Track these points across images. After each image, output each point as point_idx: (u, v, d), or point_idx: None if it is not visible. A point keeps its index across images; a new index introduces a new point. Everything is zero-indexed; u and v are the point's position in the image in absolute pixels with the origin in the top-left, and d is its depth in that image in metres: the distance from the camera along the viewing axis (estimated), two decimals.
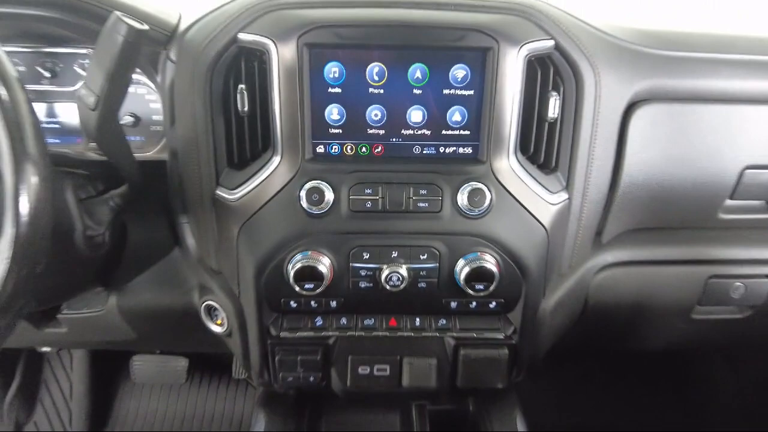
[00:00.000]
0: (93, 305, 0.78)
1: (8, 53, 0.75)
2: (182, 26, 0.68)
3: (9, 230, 0.45)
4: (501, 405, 0.78)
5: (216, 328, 0.74)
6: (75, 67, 0.76)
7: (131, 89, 0.77)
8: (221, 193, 0.66)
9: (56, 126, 0.80)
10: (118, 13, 0.54)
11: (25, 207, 0.45)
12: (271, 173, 0.64)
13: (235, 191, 0.65)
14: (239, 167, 0.67)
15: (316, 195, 0.62)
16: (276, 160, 0.64)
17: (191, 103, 0.64)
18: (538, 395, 0.79)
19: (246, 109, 0.63)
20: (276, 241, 0.64)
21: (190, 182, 0.68)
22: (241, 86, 0.63)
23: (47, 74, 0.76)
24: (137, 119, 0.77)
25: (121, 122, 0.78)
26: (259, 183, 0.64)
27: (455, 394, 0.78)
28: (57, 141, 0.80)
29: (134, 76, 0.77)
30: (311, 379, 0.72)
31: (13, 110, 0.46)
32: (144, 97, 0.77)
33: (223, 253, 0.69)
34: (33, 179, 0.46)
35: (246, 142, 0.66)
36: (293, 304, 0.68)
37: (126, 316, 0.79)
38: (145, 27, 0.55)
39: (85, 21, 0.64)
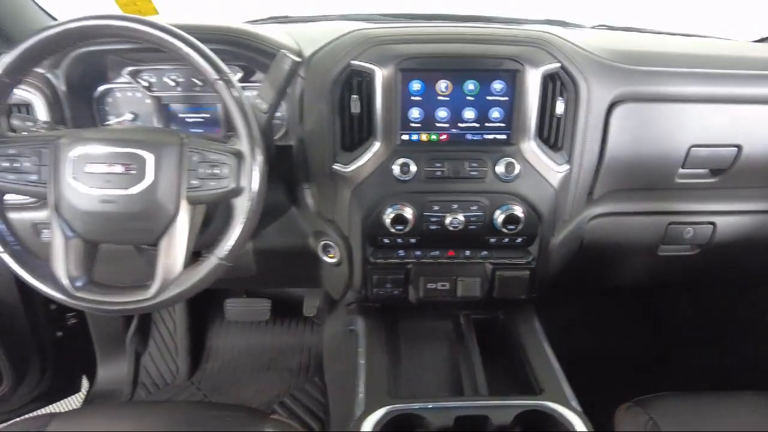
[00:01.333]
0: None
1: (173, 68, 1.08)
2: (307, 53, 1.00)
3: (249, 194, 0.78)
4: (522, 313, 1.12)
5: (329, 260, 1.08)
6: None
7: (253, 93, 1.10)
8: (337, 167, 0.99)
9: (201, 119, 1.12)
10: (284, 50, 0.87)
11: (257, 178, 0.79)
12: (373, 154, 0.97)
13: (347, 166, 0.98)
14: (349, 150, 0.99)
15: (405, 167, 0.95)
16: (377, 144, 0.96)
17: (318, 106, 0.97)
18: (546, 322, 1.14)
19: (357, 111, 0.96)
20: (376, 199, 0.98)
21: (314, 160, 1.01)
22: (354, 96, 0.95)
23: (199, 83, 1.08)
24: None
25: None
26: (366, 161, 0.97)
27: (490, 306, 1.13)
28: (201, 131, 1.13)
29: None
30: (395, 292, 1.06)
31: (244, 105, 0.78)
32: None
33: (337, 207, 1.03)
34: (260, 158, 0.79)
35: (355, 132, 0.98)
36: (386, 240, 1.02)
37: (257, 256, 1.12)
38: (300, 59, 0.88)
39: (248, 53, 0.97)
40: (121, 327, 1.60)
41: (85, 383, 1.72)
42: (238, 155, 0.78)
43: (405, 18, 1.37)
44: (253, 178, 0.78)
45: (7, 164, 0.78)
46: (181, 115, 1.10)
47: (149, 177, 0.77)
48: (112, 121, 1.11)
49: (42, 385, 1.54)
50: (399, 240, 1.02)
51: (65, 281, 0.80)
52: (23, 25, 1.14)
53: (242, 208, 0.79)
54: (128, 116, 1.10)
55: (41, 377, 1.52)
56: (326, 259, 1.09)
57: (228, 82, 0.77)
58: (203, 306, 1.66)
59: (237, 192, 0.78)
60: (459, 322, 1.13)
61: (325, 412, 1.49)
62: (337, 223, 1.05)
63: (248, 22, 1.35)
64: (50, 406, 1.69)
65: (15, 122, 0.88)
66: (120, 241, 0.87)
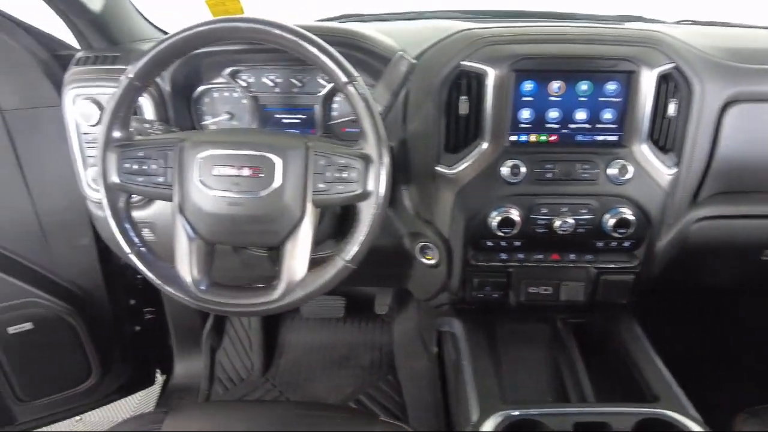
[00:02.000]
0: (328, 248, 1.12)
1: (272, 69, 1.08)
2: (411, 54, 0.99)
3: (375, 198, 0.78)
4: (622, 317, 1.09)
5: (426, 262, 1.07)
6: (318, 79, 1.07)
7: None
8: (441, 169, 0.98)
9: (297, 120, 1.12)
10: (401, 52, 0.86)
11: (383, 182, 0.78)
12: (480, 155, 0.95)
13: (452, 167, 0.97)
14: (454, 151, 0.98)
15: (516, 169, 0.93)
16: (484, 145, 0.95)
17: (424, 107, 0.96)
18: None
19: (466, 112, 0.94)
20: (482, 201, 0.96)
21: (416, 161, 1.00)
22: (463, 97, 0.94)
23: (298, 84, 1.08)
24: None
25: (345, 119, 1.11)
26: (472, 162, 0.96)
27: (586, 310, 1.11)
28: (297, 132, 1.13)
29: None
30: (495, 295, 1.05)
31: (373, 109, 0.77)
32: None
33: (438, 209, 1.02)
34: (387, 161, 0.78)
35: (461, 134, 0.97)
36: (489, 243, 1.00)
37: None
38: (416, 61, 0.87)
39: (359, 55, 0.96)
40: (198, 323, 1.63)
41: (158, 376, 1.75)
42: (366, 159, 0.78)
43: (487, 15, 1.34)
44: (381, 182, 0.77)
45: (136, 167, 0.79)
46: (277, 116, 1.11)
47: (277, 180, 0.78)
48: (209, 121, 1.12)
49: (122, 377, 1.58)
50: (503, 243, 1.00)
51: (190, 283, 0.81)
52: (127, 30, 1.15)
53: (368, 213, 0.78)
54: (224, 116, 1.11)
55: (122, 369, 1.56)
56: (423, 260, 1.08)
57: (358, 86, 0.76)
58: None
59: (364, 196, 0.78)
60: (556, 325, 1.11)
61: (402, 410, 1.49)
62: (436, 225, 1.04)
63: (319, 20, 1.34)
64: (128, 397, 1.73)
65: (134, 124, 0.90)
66: (244, 243, 0.88)
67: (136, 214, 1.07)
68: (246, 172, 0.78)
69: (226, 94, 1.10)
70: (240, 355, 1.65)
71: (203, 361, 1.62)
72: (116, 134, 0.81)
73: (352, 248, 0.79)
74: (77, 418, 1.56)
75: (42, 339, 1.35)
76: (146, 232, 1.11)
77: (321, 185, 0.78)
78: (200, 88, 1.09)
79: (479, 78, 0.93)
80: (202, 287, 0.81)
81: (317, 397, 1.55)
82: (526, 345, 1.09)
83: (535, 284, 1.04)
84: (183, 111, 1.08)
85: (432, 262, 1.06)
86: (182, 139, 0.80)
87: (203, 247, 0.81)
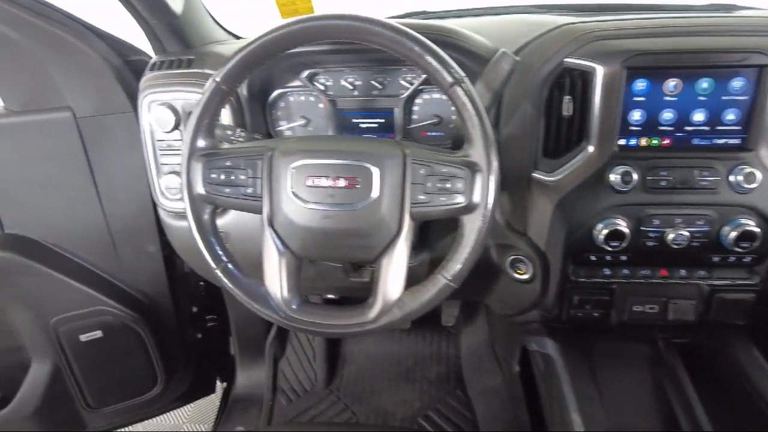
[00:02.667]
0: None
1: (351, 71, 1.02)
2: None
3: (482, 210, 0.71)
4: (736, 339, 0.99)
5: (518, 276, 0.99)
6: (400, 80, 1.01)
7: (433, 95, 1.02)
8: (538, 175, 0.90)
9: (375, 125, 1.06)
10: (503, 49, 0.78)
11: (492, 193, 0.71)
12: (585, 161, 0.87)
13: (552, 174, 0.89)
14: (553, 156, 0.90)
15: (627, 176, 0.84)
16: (590, 150, 0.86)
17: (522, 108, 0.88)
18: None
19: (569, 113, 0.86)
20: (587, 211, 0.88)
21: (510, 167, 0.92)
22: (567, 97, 0.86)
23: (378, 86, 1.02)
24: (440, 119, 1.02)
25: (426, 122, 1.04)
26: (575, 168, 0.87)
27: (693, 330, 1.00)
28: (374, 136, 1.07)
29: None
30: (595, 314, 0.96)
31: (482, 112, 0.70)
32: (447, 102, 1.02)
33: (533, 220, 0.93)
34: (496, 169, 0.71)
35: (562, 137, 0.89)
36: (593, 257, 0.91)
37: (432, 267, 1.05)
38: (519, 59, 0.79)
39: (454, 53, 0.89)
40: (262, 331, 1.59)
41: (218, 385, 1.73)
42: (472, 167, 0.70)
43: (568, 9, 1.25)
44: (489, 193, 0.70)
45: (223, 177, 0.75)
46: (354, 121, 1.05)
47: (375, 192, 0.71)
48: (284, 126, 1.07)
49: (184, 385, 1.56)
50: (607, 257, 0.91)
51: (281, 302, 0.75)
52: (201, 33, 1.12)
53: (473, 227, 0.71)
54: (300, 121, 1.06)
55: (185, 378, 1.54)
56: (514, 275, 1.00)
57: (465, 87, 0.69)
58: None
59: (469, 208, 0.71)
60: (657, 345, 1.01)
61: (474, 428, 1.41)
62: (531, 237, 0.95)
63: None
64: (187, 406, 1.71)
65: (217, 132, 0.85)
66: (336, 259, 0.83)
67: None
68: (342, 183, 0.72)
69: (302, 98, 1.05)
70: (303, 365, 1.61)
71: (266, 371, 1.58)
72: (201, 143, 0.76)
73: (455, 266, 0.72)
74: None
75: (110, 347, 1.34)
76: None
77: (421, 197, 0.71)
78: (276, 92, 1.04)
79: (585, 76, 0.84)
80: (294, 306, 0.76)
81: (384, 412, 1.49)
82: (626, 367, 1.00)
83: (640, 302, 0.94)
84: (258, 116, 1.03)
85: (524, 277, 0.98)
86: (271, 147, 0.75)
87: (293, 262, 0.76)
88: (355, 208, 0.72)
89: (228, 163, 0.75)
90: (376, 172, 0.71)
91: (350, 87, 1.02)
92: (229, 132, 0.86)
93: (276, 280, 0.75)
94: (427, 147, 0.76)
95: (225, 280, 0.77)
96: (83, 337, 1.30)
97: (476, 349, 1.55)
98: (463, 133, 0.73)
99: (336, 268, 1.03)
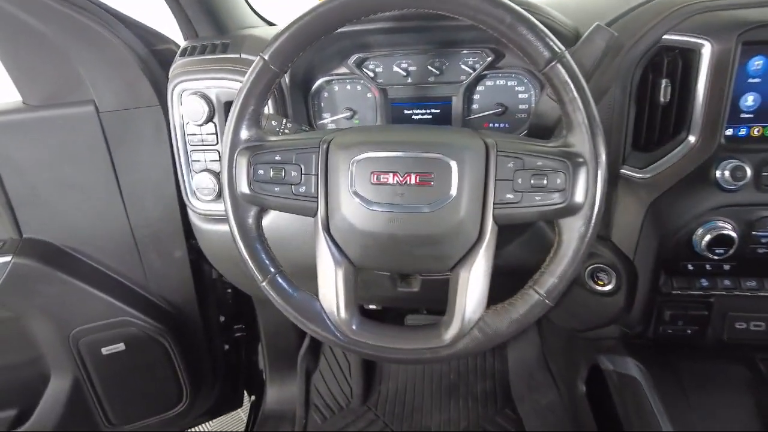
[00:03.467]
0: None
1: (405, 55, 0.91)
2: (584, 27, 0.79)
3: (587, 212, 0.59)
4: None
5: (597, 288, 0.87)
6: (461, 65, 0.89)
7: (497, 81, 0.91)
8: (627, 171, 0.78)
9: (430, 116, 0.94)
10: (597, 22, 0.66)
11: (600, 191, 0.58)
12: (686, 154, 0.74)
13: (643, 170, 0.77)
14: (644, 149, 0.78)
15: (740, 172, 0.72)
16: (691, 141, 0.74)
17: (610, 93, 0.75)
18: None
19: (666, 99, 0.74)
20: (688, 212, 0.75)
21: None
22: (665, 80, 0.73)
23: (435, 72, 0.90)
24: (504, 108, 0.90)
25: (489, 112, 0.92)
26: (673, 163, 0.75)
27: None
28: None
29: (508, 72, 0.90)
30: (688, 331, 0.83)
31: (587, 93, 0.58)
32: (514, 89, 0.90)
33: (619, 222, 0.81)
34: (604, 162, 0.59)
35: (656, 126, 0.76)
36: (690, 267, 0.79)
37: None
38: (617, 34, 0.67)
39: None
40: (294, 343, 1.48)
41: (246, 399, 1.63)
42: (574, 159, 0.58)
43: None
44: (597, 191, 0.58)
45: (272, 174, 0.63)
46: (406, 112, 0.93)
47: (453, 190, 0.60)
48: (327, 119, 0.96)
49: (211, 399, 1.45)
50: (708, 266, 0.78)
51: (340, 322, 0.64)
52: (236, 16, 1.01)
53: (575, 232, 0.59)
54: (345, 113, 0.95)
55: (212, 391, 1.44)
56: (594, 286, 0.87)
57: (566, 62, 0.57)
58: (379, 320, 1.51)
59: (571, 210, 0.59)
60: (757, 367, 0.88)
61: None
62: (615, 243, 0.83)
63: None
64: (213, 421, 1.61)
65: (262, 122, 0.74)
66: (403, 270, 0.71)
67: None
68: (413, 179, 0.60)
69: (348, 87, 0.94)
70: (338, 379, 1.50)
71: (297, 386, 1.47)
72: (246, 134, 0.65)
73: (550, 279, 0.60)
74: None
75: (134, 361, 1.24)
76: None
77: (509, 195, 0.60)
78: (319, 81, 0.93)
79: (687, 55, 0.72)
80: (354, 326, 0.64)
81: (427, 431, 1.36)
82: (722, 391, 0.87)
83: (743, 318, 0.81)
84: (299, 108, 0.93)
85: (606, 288, 0.86)
86: (328, 139, 0.64)
87: (350, 273, 0.65)
88: (428, 210, 0.60)
89: (277, 158, 0.64)
90: (454, 166, 0.60)
91: (403, 73, 0.90)
92: (275, 123, 0.75)
93: (332, 294, 0.64)
94: (515, 136, 0.64)
95: (273, 295, 0.65)
96: (105, 350, 1.20)
97: (527, 363, 1.42)
98: (547, 121, 0.61)
99: (383, 276, 0.92)
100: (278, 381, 1.49)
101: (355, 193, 0.61)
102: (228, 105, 0.88)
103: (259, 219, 0.67)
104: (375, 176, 0.61)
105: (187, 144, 0.92)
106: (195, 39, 0.96)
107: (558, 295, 0.60)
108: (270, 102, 0.86)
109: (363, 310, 1.47)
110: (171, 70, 0.92)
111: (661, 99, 0.74)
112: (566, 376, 1.22)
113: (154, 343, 1.24)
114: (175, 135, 0.92)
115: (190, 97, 0.88)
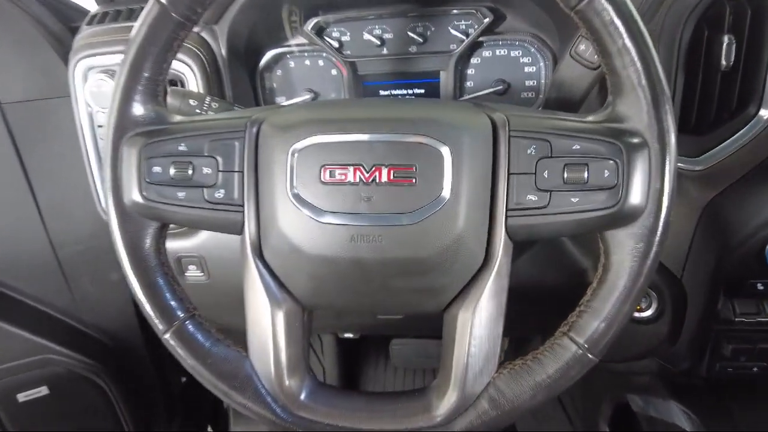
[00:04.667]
0: None
1: (378, 19, 0.71)
2: None
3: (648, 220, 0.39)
4: None
5: (635, 314, 0.67)
6: (449, 29, 0.70)
7: (496, 51, 0.71)
8: None
9: (413, 97, 0.75)
10: None
11: (667, 188, 0.39)
12: (756, 136, 0.55)
13: (696, 160, 0.58)
14: (696, 131, 0.59)
15: None
16: (765, 118, 0.55)
17: None
18: None
19: (727, 63, 0.55)
20: (758, 216, 0.56)
21: None
22: (727, 37, 0.54)
23: (418, 39, 0.71)
24: (507, 86, 0.71)
25: (487, 90, 0.72)
26: (737, 149, 0.56)
27: None
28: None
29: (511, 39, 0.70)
30: (754, 369, 0.64)
31: (649, 46, 0.38)
32: (518, 61, 0.71)
33: None
34: (672, 138, 0.39)
35: (713, 100, 0.57)
36: (760, 286, 0.60)
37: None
38: None
39: None
40: None
41: None
42: (629, 140, 0.38)
43: None
44: (666, 188, 0.38)
45: (174, 171, 0.43)
46: (383, 93, 0.74)
47: (445, 191, 0.40)
48: (282, 103, 0.76)
49: None
50: None
51: (281, 390, 0.44)
52: None
53: (631, 252, 0.39)
54: (305, 95, 0.75)
55: (169, 427, 1.23)
56: None
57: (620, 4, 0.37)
58: (360, 348, 1.31)
59: (625, 217, 0.39)
60: None
61: None
62: None
63: None
64: None
65: (171, 101, 0.54)
66: (375, 310, 0.51)
67: (175, 245, 0.72)
68: (385, 176, 0.40)
69: (307, 62, 0.74)
70: None
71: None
72: (137, 112, 0.44)
73: (592, 322, 0.40)
74: None
75: (60, 407, 1.04)
76: (192, 271, 0.75)
77: (530, 197, 0.40)
78: (269, 54, 0.74)
79: (759, 5, 0.53)
80: (302, 396, 0.44)
81: None
82: None
83: None
84: (244, 88, 0.72)
85: (645, 314, 0.66)
86: (257, 119, 0.43)
87: (296, 318, 0.44)
88: (409, 222, 0.40)
89: (182, 147, 0.43)
90: (446, 154, 0.40)
91: (377, 42, 0.71)
92: (194, 102, 0.54)
93: (268, 350, 0.44)
94: (534, 110, 0.44)
95: (180, 352, 0.45)
96: (22, 397, 0.99)
97: None
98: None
99: None
100: (244, 415, 1.28)
101: (298, 198, 0.41)
102: None
103: (159, 239, 0.46)
104: (327, 172, 0.40)
105: (97, 138, 0.71)
106: (108, 3, 0.76)
107: (606, 347, 0.41)
108: (200, 80, 0.65)
109: (337, 340, 1.27)
110: (75, 41, 0.71)
111: (722, 62, 0.55)
112: (583, 412, 1.02)
113: (86, 384, 1.04)
114: (80, 126, 0.72)
115: (98, 76, 0.67)
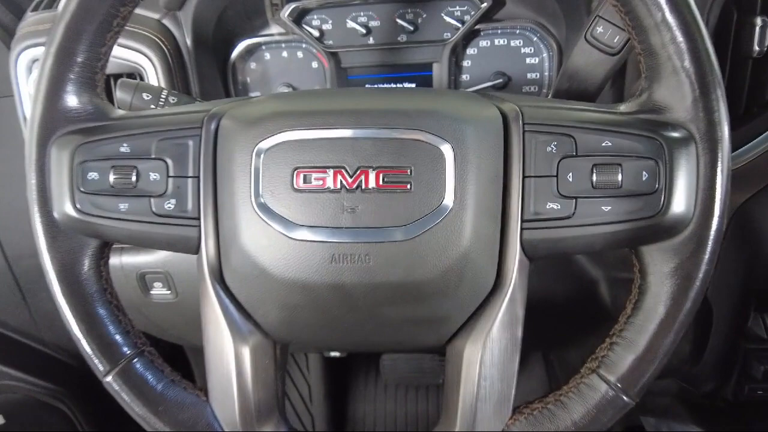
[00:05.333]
0: None
1: (363, 6, 0.64)
2: None
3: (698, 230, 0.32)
4: None
5: None
6: (443, 15, 0.63)
7: (495, 41, 0.65)
8: None
9: None
10: None
11: (721, 188, 0.32)
12: None
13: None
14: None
15: None
16: None
17: None
18: None
19: (764, 48, 0.48)
20: None
21: None
22: (760, 19, 0.48)
23: (408, 27, 0.64)
24: (507, 79, 0.64)
25: (485, 84, 0.65)
26: None
27: None
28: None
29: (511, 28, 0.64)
30: None
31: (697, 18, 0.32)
32: (519, 52, 0.64)
33: None
34: (725, 131, 0.32)
35: (744, 90, 0.51)
36: None
37: None
38: None
39: None
40: None
41: None
42: (670, 134, 0.32)
43: None
44: (717, 193, 0.31)
45: (113, 178, 0.35)
46: (369, 87, 0.66)
47: (447, 198, 0.32)
48: None
49: None
50: None
51: None
52: None
53: (674, 273, 0.32)
54: (282, 90, 0.67)
55: None
56: None
57: None
58: (348, 363, 1.23)
59: (667, 229, 0.32)
60: None
61: None
62: None
63: None
64: None
65: (121, 94, 0.46)
66: (362, 347, 0.44)
67: (138, 260, 0.64)
68: (372, 180, 0.32)
69: (285, 53, 0.67)
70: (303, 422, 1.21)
71: None
72: (69, 104, 0.36)
73: (627, 357, 0.34)
74: None
75: None
76: (158, 289, 0.67)
77: (550, 205, 0.33)
78: (241, 45, 0.66)
79: None
80: None
81: None
82: None
83: None
84: (213, 82, 0.65)
85: None
86: (216, 113, 0.36)
87: (268, 354, 0.37)
88: (402, 237, 0.32)
89: (125, 148, 0.35)
90: (448, 154, 0.33)
91: (362, 31, 0.64)
92: (147, 95, 0.46)
93: (231, 393, 0.36)
94: (551, 99, 0.37)
95: (125, 398, 0.37)
96: None
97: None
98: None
99: None
100: None
101: (265, 209, 0.33)
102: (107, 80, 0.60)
103: (99, 260, 0.38)
104: (301, 176, 0.33)
105: None
106: None
107: (644, 387, 0.34)
108: (160, 73, 0.57)
109: (323, 360, 1.19)
110: (18, 30, 0.63)
111: (755, 48, 0.48)
112: None
113: (47, 410, 0.96)
114: (25, 125, 0.64)
115: None
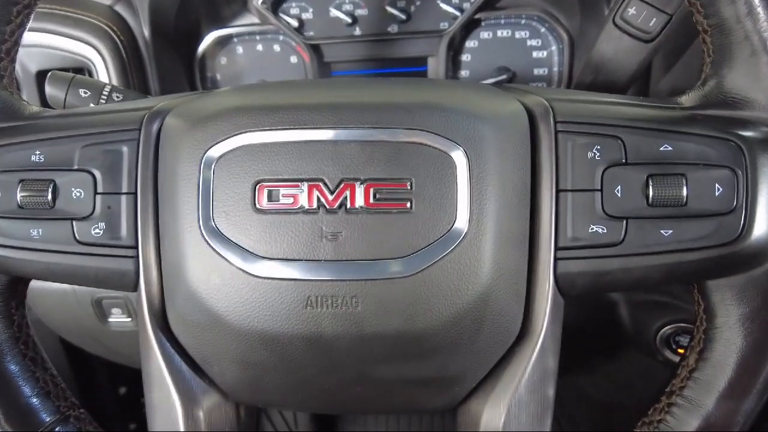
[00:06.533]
0: None
1: None
2: None
3: None
4: None
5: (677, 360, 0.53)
6: (439, 2, 0.57)
7: (498, 32, 0.58)
8: None
9: None
10: None
11: None
12: None
13: None
14: None
15: None
16: None
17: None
18: None
19: None
20: None
21: None
22: None
23: (401, 16, 0.57)
24: (511, 74, 0.57)
25: (487, 80, 0.58)
26: None
27: None
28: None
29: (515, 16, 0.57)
30: None
31: None
32: (524, 44, 0.57)
33: None
34: None
35: None
36: None
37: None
38: None
39: None
40: None
41: None
42: (749, 134, 0.24)
43: None
44: None
45: (22, 196, 0.27)
46: (355, 76, 0.59)
47: (459, 220, 0.25)
48: None
49: None
50: None
51: None
52: None
53: (753, 313, 0.25)
54: None
55: None
56: (670, 356, 0.54)
57: None
58: None
59: (746, 259, 0.25)
60: None
61: None
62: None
63: None
64: None
65: (51, 90, 0.37)
66: (351, 410, 0.36)
67: None
68: (362, 197, 0.25)
69: (260, 46, 0.60)
70: None
71: None
72: None
73: (690, 423, 0.26)
74: None
75: None
76: (116, 315, 0.59)
77: (595, 228, 0.25)
78: (211, 37, 0.59)
79: None
80: None
81: None
82: None
83: None
84: (177, 79, 0.57)
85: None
86: (159, 110, 0.28)
87: (228, 417, 0.30)
88: (401, 270, 0.25)
89: (38, 157, 0.27)
90: (460, 161, 0.25)
91: (347, 20, 0.57)
92: (85, 92, 0.38)
93: None
94: (589, 93, 0.30)
95: None
96: None
97: None
98: None
99: None
100: None
101: (217, 236, 0.26)
102: (42, 75, 0.51)
103: (10, 302, 0.30)
104: (265, 192, 0.25)
105: None
106: None
107: None
108: (111, 67, 0.49)
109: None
110: None
111: None
112: None
113: None
114: None
115: None
